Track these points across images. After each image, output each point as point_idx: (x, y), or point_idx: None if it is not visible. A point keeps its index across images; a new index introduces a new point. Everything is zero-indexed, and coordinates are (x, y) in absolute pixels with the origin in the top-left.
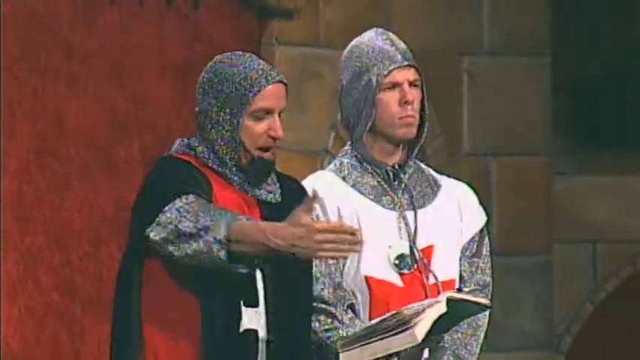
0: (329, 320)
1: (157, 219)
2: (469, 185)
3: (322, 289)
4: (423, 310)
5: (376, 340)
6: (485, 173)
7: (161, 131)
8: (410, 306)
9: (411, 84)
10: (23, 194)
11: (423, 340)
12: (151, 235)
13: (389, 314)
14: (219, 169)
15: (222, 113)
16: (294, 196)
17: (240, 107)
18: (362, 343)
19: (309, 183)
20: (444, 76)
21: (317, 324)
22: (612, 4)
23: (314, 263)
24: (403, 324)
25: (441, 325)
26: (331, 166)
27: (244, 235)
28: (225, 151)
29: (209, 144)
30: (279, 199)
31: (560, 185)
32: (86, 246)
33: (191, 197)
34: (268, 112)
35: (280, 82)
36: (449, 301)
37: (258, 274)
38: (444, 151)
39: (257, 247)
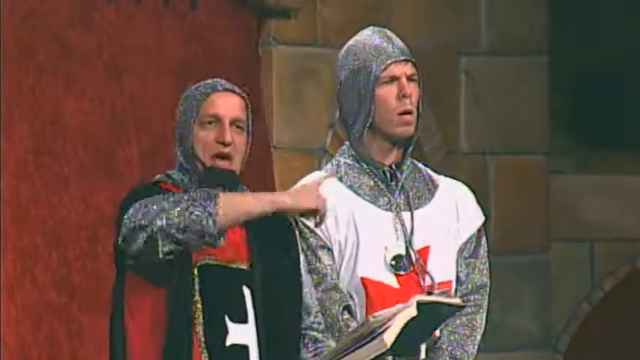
0: (317, 346)
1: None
2: (467, 185)
3: (313, 320)
4: (394, 316)
5: (349, 353)
6: (482, 172)
7: (159, 130)
8: (378, 314)
9: (409, 78)
10: (21, 193)
11: (406, 347)
12: (120, 244)
13: (359, 324)
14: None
15: (181, 126)
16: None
17: (193, 116)
18: (336, 357)
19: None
20: (441, 76)
21: (305, 350)
22: (610, 3)
23: (304, 291)
24: (372, 332)
25: (418, 330)
26: (328, 165)
27: (234, 203)
28: (186, 165)
29: (182, 164)
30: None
31: (558, 184)
32: (83, 244)
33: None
34: (218, 119)
35: (233, 92)
36: (419, 304)
37: (247, 291)
38: (441, 150)
39: (249, 215)
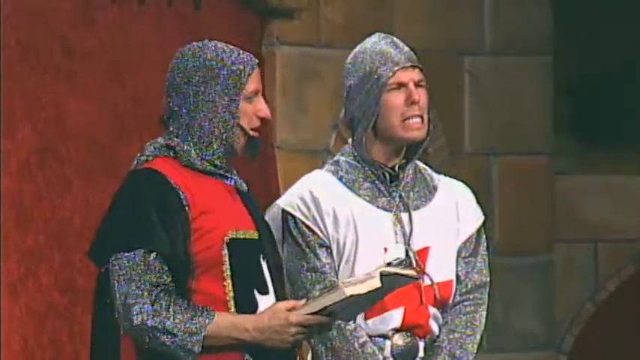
0: None
1: (128, 303)
2: (469, 185)
3: None
4: (361, 282)
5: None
6: (486, 173)
7: (161, 130)
8: (347, 280)
9: (417, 84)
10: (23, 194)
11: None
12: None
13: (328, 288)
14: (201, 165)
15: (218, 98)
16: (249, 188)
17: (238, 90)
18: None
19: (304, 182)
20: (445, 76)
21: None
22: (613, 4)
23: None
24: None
25: (378, 295)
26: (328, 165)
27: (220, 334)
28: (216, 137)
29: (189, 135)
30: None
31: (562, 185)
32: (86, 245)
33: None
34: (256, 93)
35: (259, 65)
36: (382, 276)
37: (263, 262)
38: (445, 150)
39: (231, 341)
